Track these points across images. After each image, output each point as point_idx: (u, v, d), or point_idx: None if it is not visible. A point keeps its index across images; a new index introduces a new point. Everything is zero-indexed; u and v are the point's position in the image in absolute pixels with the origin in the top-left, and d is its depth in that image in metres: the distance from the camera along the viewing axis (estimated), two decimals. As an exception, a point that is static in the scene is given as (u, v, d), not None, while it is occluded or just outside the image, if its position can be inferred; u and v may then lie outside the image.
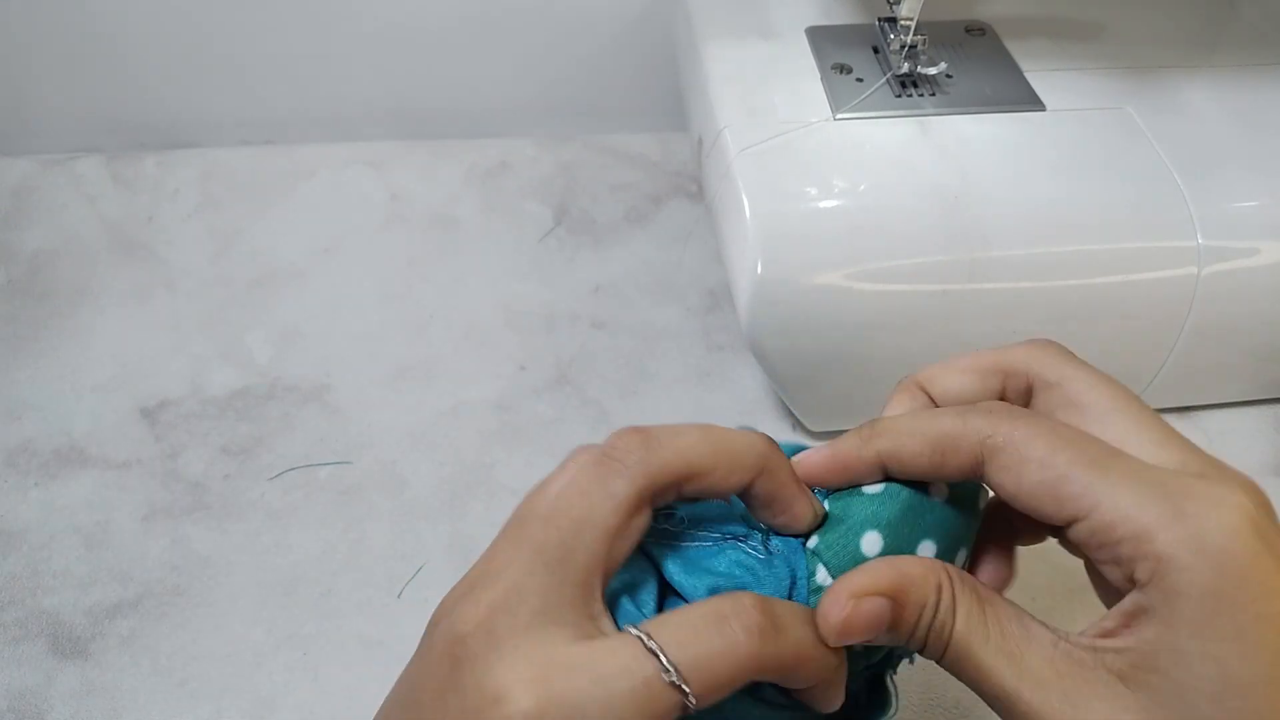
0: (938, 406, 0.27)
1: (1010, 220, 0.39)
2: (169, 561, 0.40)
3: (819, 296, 0.39)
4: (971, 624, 0.24)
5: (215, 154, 0.59)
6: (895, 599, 0.23)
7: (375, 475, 0.43)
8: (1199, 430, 0.45)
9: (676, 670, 0.21)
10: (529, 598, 0.22)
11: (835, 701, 0.25)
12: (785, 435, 0.45)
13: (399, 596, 0.39)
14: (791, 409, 0.45)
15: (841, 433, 0.44)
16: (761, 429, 0.44)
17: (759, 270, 0.38)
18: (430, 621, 0.24)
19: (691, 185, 0.58)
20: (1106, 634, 0.23)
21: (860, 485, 0.26)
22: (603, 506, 0.23)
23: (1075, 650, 0.23)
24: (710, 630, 0.22)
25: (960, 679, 0.24)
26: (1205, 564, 0.21)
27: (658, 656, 0.21)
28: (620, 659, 0.21)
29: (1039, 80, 0.45)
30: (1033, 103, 0.44)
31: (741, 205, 0.39)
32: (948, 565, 0.25)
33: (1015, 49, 0.47)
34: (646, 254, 0.54)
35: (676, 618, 0.22)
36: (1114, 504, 0.22)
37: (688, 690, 0.21)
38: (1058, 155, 0.42)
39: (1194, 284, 0.40)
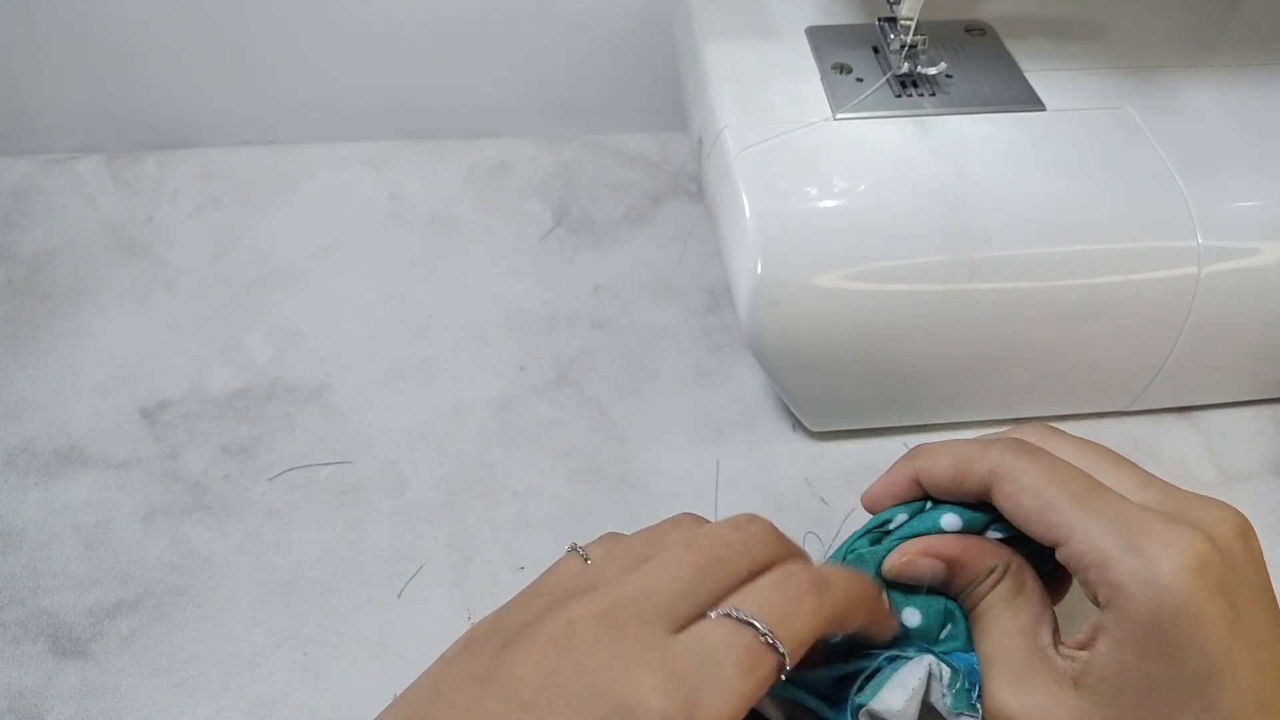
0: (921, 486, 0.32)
1: (1010, 220, 0.39)
2: (169, 561, 0.40)
3: (819, 296, 0.39)
4: (994, 601, 0.30)
5: (215, 154, 0.59)
6: (951, 563, 0.30)
7: (375, 475, 0.43)
8: (1199, 430, 0.45)
9: (772, 632, 0.24)
10: (656, 598, 0.25)
11: (891, 628, 0.29)
12: (785, 435, 0.45)
13: (399, 596, 0.39)
14: (791, 409, 0.45)
15: (841, 433, 0.44)
16: (761, 429, 0.45)
17: (759, 270, 0.38)
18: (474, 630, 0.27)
19: (691, 185, 0.58)
20: (1078, 644, 0.27)
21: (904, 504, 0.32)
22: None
23: (1052, 653, 0.28)
24: (779, 594, 0.26)
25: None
26: (1150, 595, 0.25)
27: (752, 624, 0.24)
28: (721, 634, 0.24)
29: (1039, 80, 0.45)
30: (1033, 103, 0.44)
31: (741, 205, 0.39)
32: (1015, 555, 0.30)
33: (1015, 49, 0.47)
34: (646, 254, 0.54)
35: (746, 594, 0.26)
36: (1085, 534, 0.27)
37: (782, 649, 0.24)
38: (1058, 155, 0.42)
39: (1194, 284, 0.40)
